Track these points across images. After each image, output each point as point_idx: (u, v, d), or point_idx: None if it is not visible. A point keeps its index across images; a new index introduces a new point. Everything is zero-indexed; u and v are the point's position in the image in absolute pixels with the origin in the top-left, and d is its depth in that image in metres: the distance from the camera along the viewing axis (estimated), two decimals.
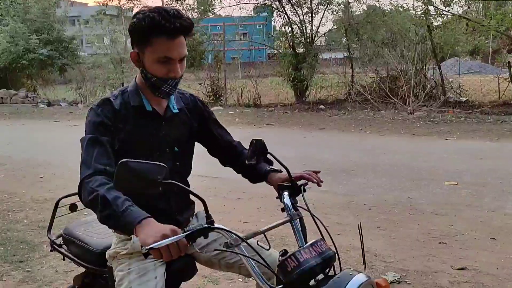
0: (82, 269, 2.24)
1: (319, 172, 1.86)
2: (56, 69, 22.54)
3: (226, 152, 2.06)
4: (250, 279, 3.39)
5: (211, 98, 16.64)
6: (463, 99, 13.66)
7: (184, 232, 1.31)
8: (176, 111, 1.85)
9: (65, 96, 20.67)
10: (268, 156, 1.86)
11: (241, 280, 3.53)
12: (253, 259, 1.41)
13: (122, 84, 18.81)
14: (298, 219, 1.67)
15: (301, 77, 15.48)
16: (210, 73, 17.15)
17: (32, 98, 20.25)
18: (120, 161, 1.30)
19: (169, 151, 1.81)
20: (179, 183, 1.35)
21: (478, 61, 21.11)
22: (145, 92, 1.78)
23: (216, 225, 1.35)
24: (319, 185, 1.82)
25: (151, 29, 1.59)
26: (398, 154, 7.83)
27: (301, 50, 16.23)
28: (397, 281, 3.43)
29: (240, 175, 2.08)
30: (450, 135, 9.46)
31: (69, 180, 6.64)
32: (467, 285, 3.34)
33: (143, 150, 1.74)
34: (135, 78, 1.82)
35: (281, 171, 1.90)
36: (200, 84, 16.98)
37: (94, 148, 1.65)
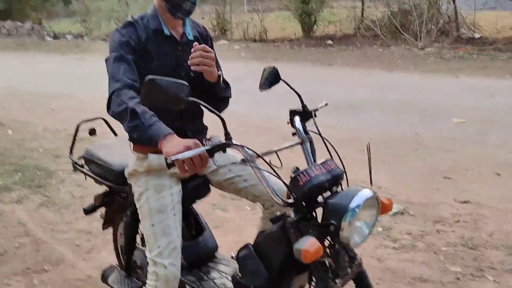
0: (98, 191, 2.37)
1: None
2: (60, 0, 22.02)
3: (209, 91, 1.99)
4: (257, 207, 3.52)
5: (216, 32, 16.33)
6: (477, 36, 13.29)
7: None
8: (191, 38, 1.91)
9: (70, 29, 20.35)
10: (281, 82, 1.89)
11: (248, 208, 3.66)
12: (267, 172, 1.47)
13: (127, 17, 18.47)
14: (308, 142, 1.76)
15: (309, 11, 15.04)
16: (215, 6, 16.71)
17: (38, 30, 19.98)
18: (147, 77, 1.36)
19: (185, 75, 1.86)
20: (201, 101, 1.42)
21: None
22: (164, 17, 1.84)
23: (233, 141, 1.42)
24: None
25: None
26: (407, 91, 7.78)
27: None
28: (400, 212, 3.55)
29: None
30: (461, 72, 9.32)
31: (79, 111, 6.71)
32: (468, 217, 3.45)
33: (161, 72, 1.76)
34: (154, 4, 1.87)
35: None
36: (203, 18, 16.57)
37: (120, 64, 1.71)
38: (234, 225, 3.45)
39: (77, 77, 9.94)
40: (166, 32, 1.85)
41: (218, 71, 1.84)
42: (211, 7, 16.99)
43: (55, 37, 19.05)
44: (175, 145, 1.40)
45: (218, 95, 1.90)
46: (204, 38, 2.00)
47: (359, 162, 4.46)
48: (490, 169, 4.35)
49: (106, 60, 1.76)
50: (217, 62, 2.03)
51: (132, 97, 1.60)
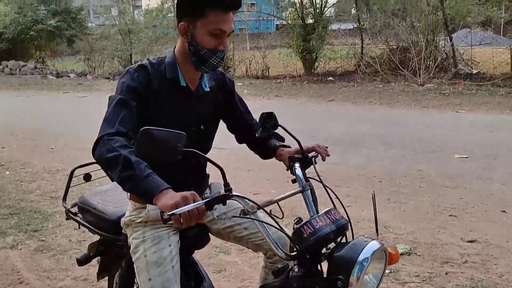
0: (97, 238, 2.28)
1: (327, 147, 1.88)
2: (64, 40, 22.49)
3: (244, 130, 2.08)
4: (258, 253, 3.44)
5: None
6: (475, 71, 13.45)
7: (203, 199, 1.33)
8: (207, 89, 1.86)
9: (73, 67, 20.66)
10: (279, 128, 1.86)
11: (251, 251, 3.57)
12: (269, 224, 1.42)
13: (130, 56, 18.77)
14: (309, 190, 1.70)
15: (310, 48, 15.31)
16: None
17: (41, 69, 20.25)
18: (142, 128, 1.30)
19: (195, 128, 1.82)
20: (198, 152, 1.37)
21: (490, 33, 20.69)
22: (182, 67, 1.78)
23: (233, 193, 1.36)
24: (323, 159, 1.84)
25: (208, 2, 1.63)
26: (408, 126, 7.78)
27: (310, 21, 15.98)
28: (407, 252, 3.46)
29: (253, 151, 2.11)
30: (461, 108, 9.37)
31: (80, 150, 6.70)
32: (477, 257, 3.36)
33: (169, 124, 1.70)
34: (173, 50, 1.81)
35: (290, 146, 1.92)
36: None
37: (122, 109, 1.63)
38: (237, 269, 3.35)
39: (78, 115, 9.97)
40: (182, 83, 1.78)
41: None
42: None
43: (58, 75, 19.26)
44: (171, 198, 1.33)
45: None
46: (221, 85, 1.95)
47: (364, 199, 4.45)
48: (496, 207, 4.28)
49: (109, 99, 1.69)
50: (242, 104, 2.07)
51: (125, 146, 1.51)
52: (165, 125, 1.63)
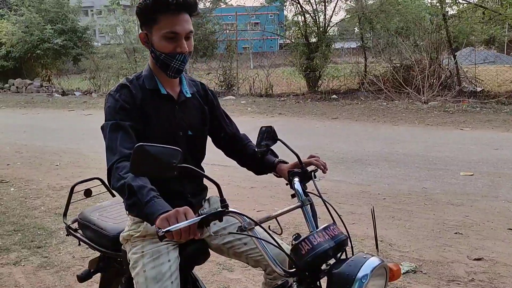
0: (98, 254, 2.27)
1: (325, 163, 1.86)
2: (70, 59, 22.65)
3: (231, 143, 2.08)
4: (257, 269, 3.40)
5: (223, 88, 16.65)
6: (479, 89, 13.46)
7: (199, 215, 1.32)
8: (189, 95, 1.89)
9: (79, 85, 20.83)
10: (278, 142, 1.86)
11: (255, 268, 3.53)
12: (267, 241, 1.41)
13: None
14: (308, 205, 1.69)
15: (313, 66, 15.39)
16: (222, 63, 17.12)
17: (47, 87, 20.40)
18: (136, 145, 1.30)
19: (183, 134, 1.84)
20: (194, 167, 1.36)
21: (493, 51, 20.75)
22: (159, 76, 1.82)
23: (230, 208, 1.35)
24: (324, 172, 1.83)
25: (156, 7, 1.66)
26: (412, 144, 7.76)
27: (314, 40, 16.09)
28: (412, 270, 3.42)
29: (245, 168, 2.10)
30: (465, 125, 9.36)
31: (85, 167, 6.71)
32: (483, 276, 3.32)
33: (158, 133, 1.77)
34: (148, 63, 1.86)
35: (288, 163, 1.92)
36: (208, 74, 16.97)
37: (117, 133, 1.66)
38: (241, 286, 3.32)
39: (83, 132, 10.01)
40: (163, 91, 1.81)
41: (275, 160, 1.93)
42: (218, 64, 17.40)
43: (64, 93, 19.40)
44: (166, 216, 1.33)
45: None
46: (203, 95, 1.97)
47: (368, 217, 4.39)
48: (502, 224, 4.24)
49: (102, 128, 1.73)
50: (227, 117, 2.08)
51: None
52: (154, 135, 1.64)
